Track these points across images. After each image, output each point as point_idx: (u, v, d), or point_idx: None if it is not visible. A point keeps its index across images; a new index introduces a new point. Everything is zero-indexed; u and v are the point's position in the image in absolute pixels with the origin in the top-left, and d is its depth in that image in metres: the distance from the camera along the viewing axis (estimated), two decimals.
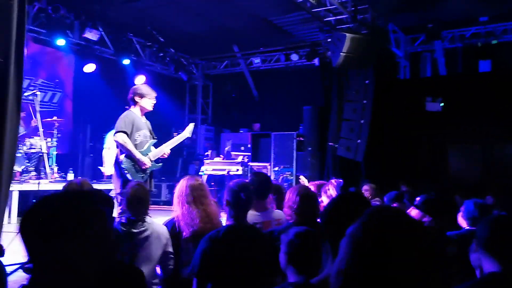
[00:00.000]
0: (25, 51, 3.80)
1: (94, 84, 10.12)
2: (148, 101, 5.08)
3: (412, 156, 9.27)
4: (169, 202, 10.82)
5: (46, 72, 9.63)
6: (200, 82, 13.20)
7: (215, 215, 3.23)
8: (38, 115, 5.15)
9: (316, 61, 10.44)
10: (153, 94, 5.11)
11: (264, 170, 10.54)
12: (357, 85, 9.01)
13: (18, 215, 7.07)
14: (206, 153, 11.87)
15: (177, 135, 5.58)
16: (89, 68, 9.85)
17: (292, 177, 10.21)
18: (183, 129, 13.62)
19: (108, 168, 7.22)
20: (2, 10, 3.38)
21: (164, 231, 3.21)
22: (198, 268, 2.63)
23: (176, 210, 3.22)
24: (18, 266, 4.17)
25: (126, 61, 10.20)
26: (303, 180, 6.59)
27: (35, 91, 5.24)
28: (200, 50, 12.08)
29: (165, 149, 5.23)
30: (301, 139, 10.61)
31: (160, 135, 12.92)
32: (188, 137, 5.83)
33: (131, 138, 4.87)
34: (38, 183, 4.94)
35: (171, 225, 3.25)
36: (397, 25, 9.57)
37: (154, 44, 10.97)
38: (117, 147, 4.94)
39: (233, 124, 12.45)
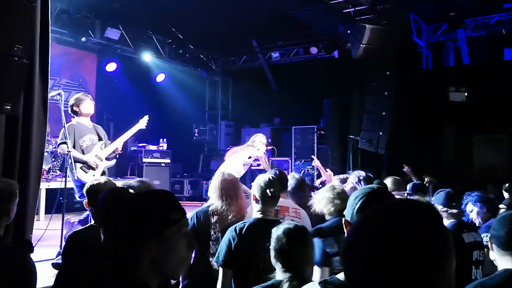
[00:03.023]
0: (49, 52, 3.88)
1: (116, 82, 10.29)
2: (86, 105, 5.32)
3: (436, 148, 9.12)
4: (192, 198, 10.97)
5: (70, 72, 9.81)
6: (220, 78, 13.24)
7: (244, 209, 3.34)
8: (63, 115, 5.27)
9: (335, 53, 10.35)
10: (87, 97, 5.38)
11: (285, 165, 10.53)
12: (378, 76, 8.90)
13: (46, 212, 7.25)
14: (227, 149, 11.94)
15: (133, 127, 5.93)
16: (110, 67, 10.01)
17: (313, 171, 10.16)
18: (204, 125, 13.77)
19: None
20: (26, 13, 3.45)
21: None
22: (224, 258, 2.72)
23: (213, 202, 3.33)
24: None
25: (147, 57, 10.33)
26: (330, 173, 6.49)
27: (59, 91, 5.34)
28: (219, 46, 12.11)
29: (117, 145, 5.55)
30: (322, 132, 10.55)
31: (181, 131, 13.06)
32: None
33: (76, 145, 5.21)
34: (65, 181, 5.05)
35: (204, 214, 3.32)
36: (418, 14, 9.39)
37: (174, 41, 11.06)
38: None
39: (253, 119, 12.45)
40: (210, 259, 3.17)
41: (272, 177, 3.08)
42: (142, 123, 5.97)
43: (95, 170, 5.30)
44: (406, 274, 0.90)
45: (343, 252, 0.98)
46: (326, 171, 6.08)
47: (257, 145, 6.57)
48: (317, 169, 7.48)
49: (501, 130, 8.85)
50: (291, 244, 2.16)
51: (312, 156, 7.46)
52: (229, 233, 2.77)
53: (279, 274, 2.15)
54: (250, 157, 6.59)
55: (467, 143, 9.18)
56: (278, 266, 2.17)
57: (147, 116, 6.06)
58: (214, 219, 3.26)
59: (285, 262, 2.14)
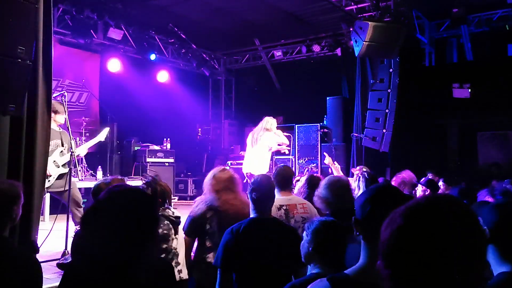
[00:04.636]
0: (52, 53, 3.89)
1: (119, 83, 10.30)
2: (61, 117, 5.47)
3: (440, 144, 9.10)
4: (196, 197, 10.97)
5: (73, 73, 9.83)
6: (223, 77, 13.24)
7: (241, 205, 3.33)
8: (66, 116, 5.31)
9: (338, 51, 10.32)
10: (64, 110, 5.45)
11: (288, 163, 10.52)
12: (382, 74, 8.88)
13: (51, 213, 7.28)
14: (231, 148, 11.95)
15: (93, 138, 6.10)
16: (114, 67, 10.02)
17: (317, 169, 10.16)
18: (207, 124, 13.78)
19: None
20: (29, 14, 3.46)
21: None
22: (222, 260, 2.72)
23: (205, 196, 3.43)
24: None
25: (152, 56, 10.35)
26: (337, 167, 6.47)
27: (63, 92, 5.36)
28: (221, 45, 12.12)
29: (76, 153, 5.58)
30: (325, 130, 10.53)
31: (185, 130, 13.03)
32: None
33: None
34: (69, 181, 5.07)
35: (199, 212, 3.36)
36: (421, 11, 9.35)
37: (176, 41, 11.06)
38: None
39: (256, 117, 12.39)
40: (207, 252, 3.24)
41: (266, 177, 3.08)
42: (102, 135, 6.06)
43: (48, 177, 5.37)
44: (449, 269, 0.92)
45: (387, 251, 0.98)
46: (334, 164, 6.08)
47: (273, 130, 7.33)
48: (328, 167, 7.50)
49: (506, 126, 8.82)
50: (332, 238, 2.13)
51: (324, 153, 7.49)
52: (226, 236, 2.77)
53: (317, 269, 2.11)
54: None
55: (471, 139, 9.15)
56: (315, 261, 2.13)
57: (108, 128, 6.23)
58: (209, 214, 3.31)
59: (325, 256, 2.11)
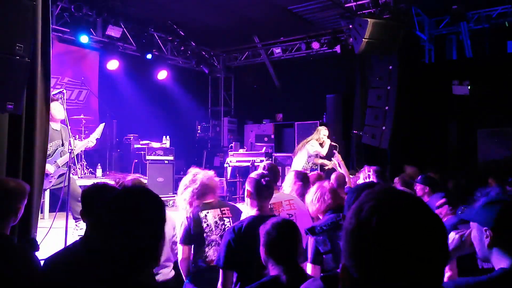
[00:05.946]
0: (51, 50, 3.88)
1: (118, 80, 10.28)
2: (57, 110, 5.50)
3: (440, 142, 9.09)
4: None
5: (72, 70, 9.82)
6: (222, 75, 13.23)
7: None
8: (65, 113, 5.31)
9: (337, 48, 10.30)
10: (56, 101, 5.45)
11: (288, 161, 10.52)
12: (381, 71, 8.85)
13: (50, 211, 7.27)
14: (230, 145, 11.94)
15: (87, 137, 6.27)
16: (112, 65, 10.00)
17: (316, 167, 10.15)
18: (206, 122, 13.75)
19: None
20: (27, 11, 3.45)
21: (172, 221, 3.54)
22: (224, 259, 2.72)
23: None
24: None
25: (149, 55, 10.31)
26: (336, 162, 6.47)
27: (62, 89, 5.35)
28: (220, 43, 12.09)
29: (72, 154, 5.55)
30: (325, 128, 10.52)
31: (184, 128, 13.03)
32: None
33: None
34: (68, 179, 5.06)
35: (195, 214, 3.39)
36: (420, 7, 9.34)
37: (175, 39, 11.04)
38: None
39: (256, 115, 12.44)
40: (206, 249, 3.24)
41: (265, 172, 3.09)
42: (97, 133, 6.07)
43: (48, 178, 5.49)
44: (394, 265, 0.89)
45: (359, 251, 0.95)
46: (342, 162, 6.09)
47: (322, 138, 7.52)
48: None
49: (506, 123, 8.81)
50: (281, 238, 2.17)
51: (334, 150, 7.47)
52: (228, 235, 2.78)
53: (273, 269, 2.15)
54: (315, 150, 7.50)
55: (471, 136, 9.15)
56: (270, 262, 2.17)
57: (103, 124, 6.25)
58: (203, 214, 3.34)
59: (278, 256, 2.15)
